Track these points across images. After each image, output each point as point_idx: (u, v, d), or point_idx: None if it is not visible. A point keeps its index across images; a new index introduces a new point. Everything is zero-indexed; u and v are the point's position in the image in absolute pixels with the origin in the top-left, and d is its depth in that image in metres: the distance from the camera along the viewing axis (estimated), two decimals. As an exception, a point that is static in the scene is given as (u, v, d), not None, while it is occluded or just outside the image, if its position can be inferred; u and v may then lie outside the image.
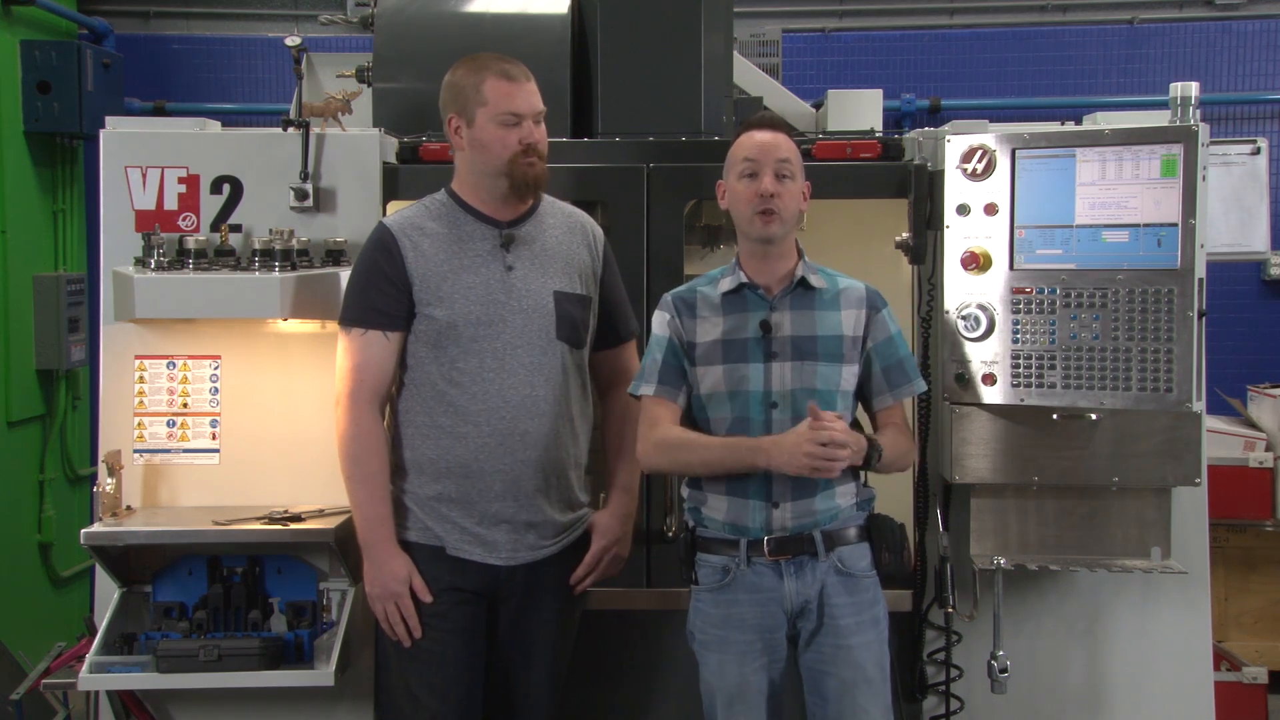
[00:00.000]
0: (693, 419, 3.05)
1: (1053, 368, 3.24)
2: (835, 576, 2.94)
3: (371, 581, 3.07)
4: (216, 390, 3.54)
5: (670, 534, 3.55)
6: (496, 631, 3.14)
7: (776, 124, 3.07)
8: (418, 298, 3.07)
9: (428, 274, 3.07)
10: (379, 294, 3.07)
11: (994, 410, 3.33)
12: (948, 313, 3.34)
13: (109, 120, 3.59)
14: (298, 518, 3.34)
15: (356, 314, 3.10)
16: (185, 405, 3.53)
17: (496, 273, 3.09)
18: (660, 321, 3.09)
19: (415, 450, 3.11)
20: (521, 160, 3.06)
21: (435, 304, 3.06)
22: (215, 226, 3.49)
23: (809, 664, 2.99)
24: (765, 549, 2.94)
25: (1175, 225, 3.13)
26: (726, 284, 3.03)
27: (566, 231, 3.21)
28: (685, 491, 3.10)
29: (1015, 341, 3.28)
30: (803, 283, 3.01)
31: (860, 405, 3.11)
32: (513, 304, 3.09)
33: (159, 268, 3.38)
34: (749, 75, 4.46)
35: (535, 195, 3.16)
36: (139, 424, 3.52)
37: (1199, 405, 3.18)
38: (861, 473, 3.03)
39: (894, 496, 3.76)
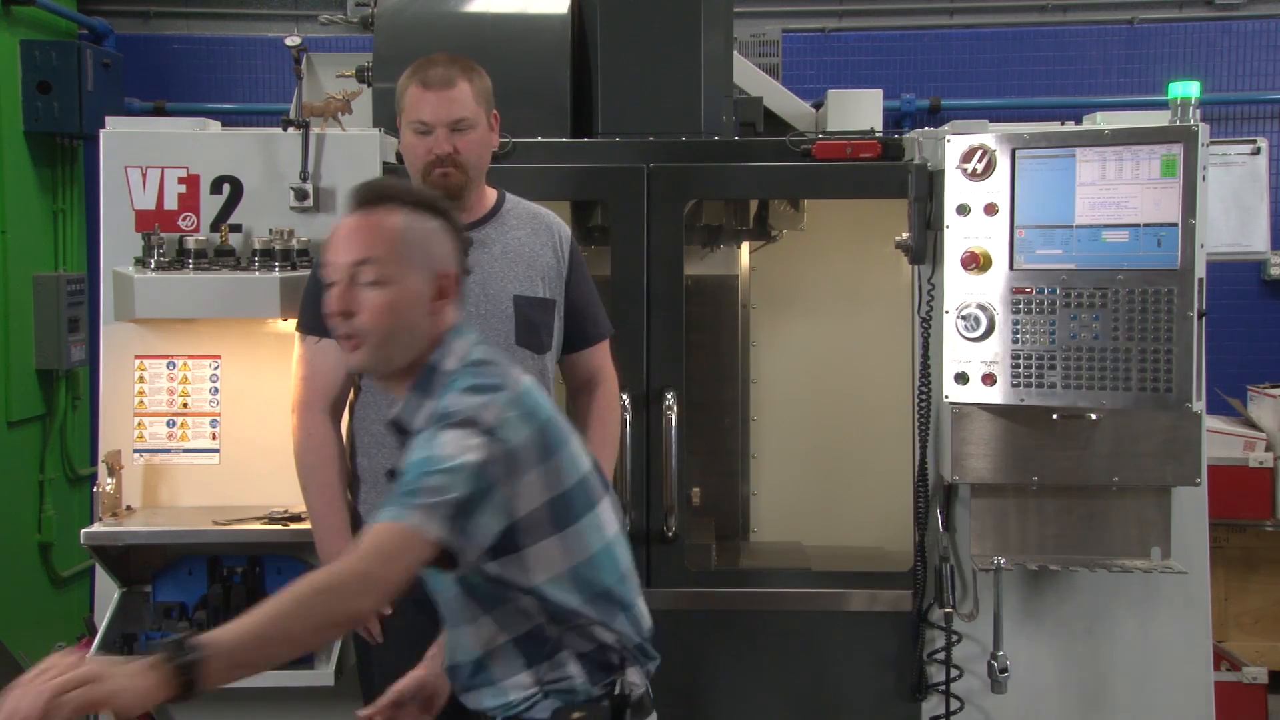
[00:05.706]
0: None
1: (1053, 368, 3.24)
2: None
3: None
4: (216, 390, 3.54)
5: (670, 534, 3.54)
6: None
7: None
8: None
9: None
10: None
11: (994, 410, 3.33)
12: (948, 313, 3.34)
13: (109, 120, 3.59)
14: (298, 518, 3.34)
15: (312, 321, 3.01)
16: (185, 405, 3.53)
17: None
18: None
19: (371, 459, 3.06)
20: (434, 170, 2.99)
21: None
22: (215, 226, 3.49)
23: None
24: None
25: (1175, 225, 3.13)
26: None
27: (530, 233, 3.13)
28: None
29: (1015, 341, 3.28)
30: None
31: None
32: (470, 309, 2.97)
33: (159, 268, 3.38)
34: (749, 75, 4.45)
35: (459, 204, 2.99)
36: (139, 424, 3.52)
37: (1199, 405, 3.18)
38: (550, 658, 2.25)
39: (895, 496, 3.77)
